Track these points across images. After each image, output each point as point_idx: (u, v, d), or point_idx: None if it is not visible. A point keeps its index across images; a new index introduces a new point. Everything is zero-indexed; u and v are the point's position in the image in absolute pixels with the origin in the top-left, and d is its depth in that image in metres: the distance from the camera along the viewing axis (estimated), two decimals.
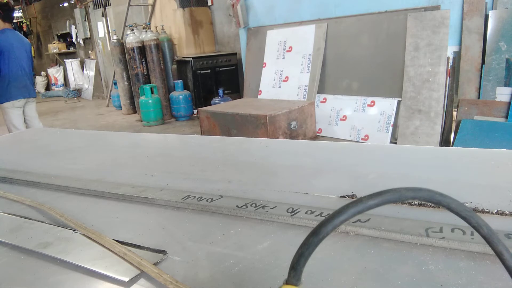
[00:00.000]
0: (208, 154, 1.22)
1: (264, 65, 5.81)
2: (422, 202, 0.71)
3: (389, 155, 1.08)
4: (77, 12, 10.61)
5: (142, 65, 7.16)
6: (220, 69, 7.05)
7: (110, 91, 9.30)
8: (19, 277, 0.62)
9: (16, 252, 0.70)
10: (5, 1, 4.04)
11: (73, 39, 11.76)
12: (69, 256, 0.64)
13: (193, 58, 6.87)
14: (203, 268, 0.59)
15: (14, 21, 14.55)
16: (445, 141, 4.12)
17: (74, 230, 0.74)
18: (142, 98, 6.81)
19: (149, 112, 6.79)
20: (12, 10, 4.39)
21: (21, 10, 14.71)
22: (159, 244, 0.66)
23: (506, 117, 3.61)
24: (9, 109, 4.23)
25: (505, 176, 0.84)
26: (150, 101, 6.74)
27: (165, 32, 7.38)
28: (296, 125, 4.28)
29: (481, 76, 3.92)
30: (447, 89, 4.10)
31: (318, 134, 5.03)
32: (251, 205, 0.75)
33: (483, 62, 3.91)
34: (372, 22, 4.73)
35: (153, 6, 7.93)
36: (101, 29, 10.00)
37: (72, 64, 11.96)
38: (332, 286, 0.51)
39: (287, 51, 5.53)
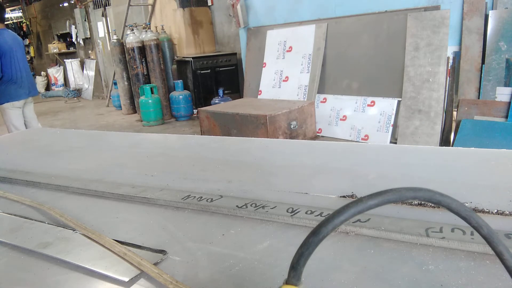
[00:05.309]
0: (208, 154, 1.22)
1: (264, 65, 5.81)
2: (422, 202, 0.71)
3: (389, 155, 1.08)
4: (77, 12, 10.61)
5: (142, 65, 7.16)
6: (220, 69, 7.05)
7: (110, 91, 9.29)
8: (19, 277, 0.62)
9: (16, 252, 0.70)
10: None
11: (73, 39, 11.75)
12: (69, 256, 0.64)
13: (193, 58, 6.87)
14: (203, 268, 0.59)
15: (14, 21, 14.58)
16: (445, 141, 4.12)
17: (74, 230, 0.74)
18: (142, 98, 6.81)
19: (149, 112, 6.79)
20: (4, 10, 4.39)
21: (21, 10, 14.71)
22: (159, 244, 0.66)
23: (506, 117, 3.61)
24: (9, 109, 4.23)
25: (505, 176, 0.84)
26: (150, 101, 6.74)
27: (165, 32, 7.38)
28: (296, 125, 4.28)
29: (481, 76, 3.92)
30: (447, 89, 4.09)
31: (318, 134, 5.03)
32: (251, 205, 0.75)
33: (483, 62, 3.91)
34: (372, 22, 4.73)
35: (153, 6, 7.93)
36: (101, 29, 9.99)
37: (72, 64, 11.96)
38: (332, 286, 0.51)
39: (287, 51, 5.53)
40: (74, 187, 0.97)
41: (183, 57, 7.19)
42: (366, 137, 4.66)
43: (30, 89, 4.39)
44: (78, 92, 11.77)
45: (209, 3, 7.40)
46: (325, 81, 5.17)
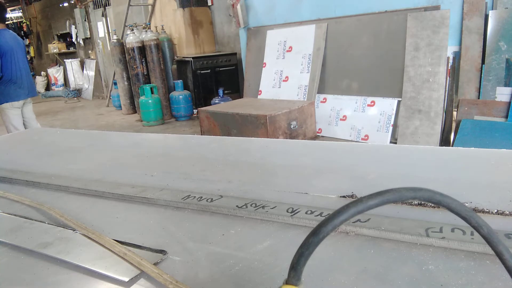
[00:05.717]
0: (208, 154, 1.22)
1: (264, 65, 5.81)
2: (422, 202, 0.71)
3: (389, 155, 1.08)
4: (77, 12, 10.61)
5: (142, 65, 7.16)
6: (220, 69, 7.05)
7: (110, 91, 9.30)
8: (19, 277, 0.62)
9: (16, 252, 0.70)
10: None
11: (73, 39, 11.76)
12: (69, 256, 0.64)
13: (193, 58, 6.87)
14: (203, 268, 0.59)
15: (14, 21, 14.58)
16: (445, 141, 4.12)
17: (74, 230, 0.74)
18: (142, 98, 6.82)
19: (149, 112, 6.79)
20: (5, 10, 4.39)
21: (21, 10, 14.71)
22: (159, 244, 0.66)
23: (506, 117, 3.61)
24: (8, 109, 4.23)
25: (505, 176, 0.84)
26: (150, 101, 6.74)
27: (165, 32, 7.38)
28: (296, 125, 4.28)
29: (481, 76, 3.92)
30: (447, 89, 4.09)
31: (318, 134, 5.03)
32: (251, 205, 0.75)
33: (483, 62, 3.91)
34: (372, 22, 4.73)
35: (153, 6, 7.93)
36: (101, 29, 9.99)
37: (72, 64, 11.96)
38: (332, 286, 0.51)
39: (287, 51, 5.53)
40: (74, 187, 0.97)
41: (183, 57, 7.19)
42: (366, 137, 4.66)
43: (30, 89, 4.40)
44: (78, 92, 11.77)
45: (209, 3, 7.40)
46: (325, 81, 5.17)
